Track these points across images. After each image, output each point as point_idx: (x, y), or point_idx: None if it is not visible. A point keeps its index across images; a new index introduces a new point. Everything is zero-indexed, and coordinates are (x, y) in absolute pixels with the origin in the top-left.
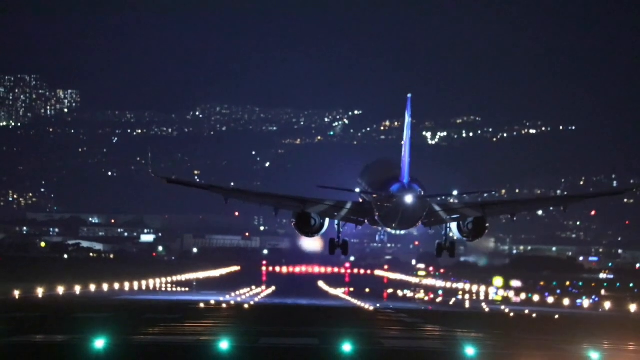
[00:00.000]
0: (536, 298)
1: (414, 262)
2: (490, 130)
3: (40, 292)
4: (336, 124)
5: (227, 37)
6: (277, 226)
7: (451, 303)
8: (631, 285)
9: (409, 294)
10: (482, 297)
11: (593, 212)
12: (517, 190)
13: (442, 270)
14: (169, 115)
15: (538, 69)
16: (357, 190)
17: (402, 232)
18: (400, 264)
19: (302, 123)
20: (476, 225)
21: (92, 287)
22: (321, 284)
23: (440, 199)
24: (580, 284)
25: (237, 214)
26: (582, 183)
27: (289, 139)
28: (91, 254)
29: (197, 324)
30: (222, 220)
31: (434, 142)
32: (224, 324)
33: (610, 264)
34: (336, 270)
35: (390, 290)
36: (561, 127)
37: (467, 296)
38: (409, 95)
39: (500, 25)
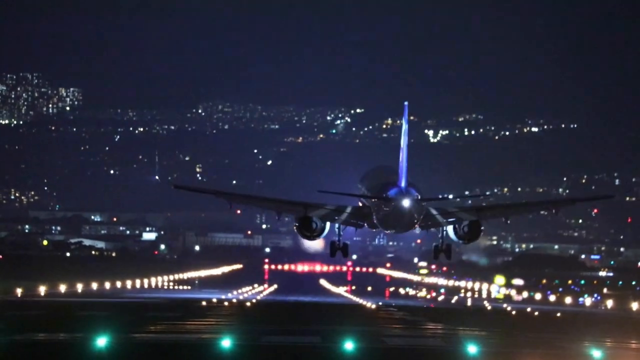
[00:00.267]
0: (538, 296)
1: (416, 260)
2: (492, 128)
3: (42, 290)
4: (338, 122)
5: (229, 35)
6: (279, 224)
7: (453, 301)
8: (633, 283)
9: (411, 292)
10: (484, 295)
11: (595, 210)
12: (519, 189)
13: (444, 269)
14: (170, 114)
15: (540, 67)
16: (357, 194)
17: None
18: (402, 262)
19: (304, 121)
20: (471, 229)
21: (94, 286)
22: (323, 282)
23: (436, 202)
24: (582, 282)
25: (239, 212)
26: (584, 181)
27: (291, 137)
28: (93, 252)
29: (199, 322)
30: (224, 218)
31: (435, 141)
32: (226, 322)
33: (612, 262)
34: (338, 268)
35: (392, 289)
36: (563, 126)
37: (469, 294)
38: (406, 103)
39: (503, 23)
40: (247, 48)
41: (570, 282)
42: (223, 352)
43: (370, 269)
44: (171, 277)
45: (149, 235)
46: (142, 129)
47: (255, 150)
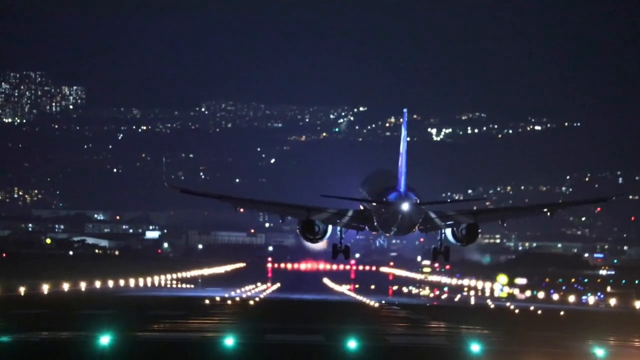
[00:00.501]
0: (541, 295)
1: (419, 258)
2: (496, 126)
3: (45, 288)
4: (341, 120)
5: (232, 34)
6: (282, 223)
7: (456, 299)
8: (637, 282)
9: (414, 290)
10: (487, 293)
11: (598, 209)
12: (522, 187)
13: (447, 267)
14: (173, 112)
15: (543, 66)
16: (358, 198)
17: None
18: (405, 261)
19: (307, 120)
20: (469, 231)
21: (97, 284)
22: (326, 280)
23: (435, 206)
24: (586, 280)
25: (242, 210)
26: (587, 180)
27: (294, 135)
28: (96, 251)
29: (202, 320)
30: (227, 216)
31: (439, 139)
32: (229, 321)
33: (615, 261)
34: (341, 267)
35: (395, 287)
36: (566, 124)
37: (472, 292)
38: (405, 110)
39: (506, 21)
40: (250, 47)
41: (573, 280)
42: (226, 351)
43: (374, 268)
44: (174, 276)
45: (152, 234)
46: (145, 128)
47: (259, 149)
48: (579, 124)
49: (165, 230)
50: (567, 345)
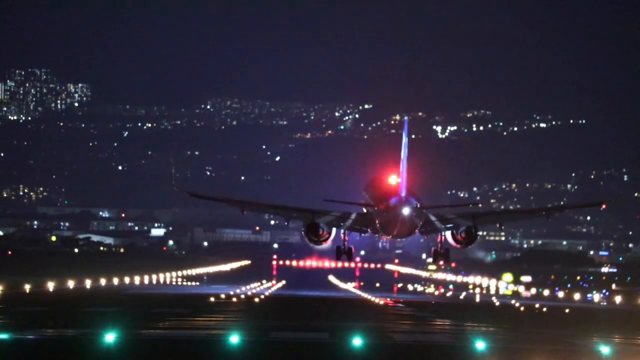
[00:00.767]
0: (546, 292)
1: (424, 256)
2: (501, 124)
3: (50, 286)
4: (346, 118)
5: (238, 31)
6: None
7: (461, 297)
8: None
9: (419, 288)
10: (492, 291)
11: (603, 206)
12: (527, 185)
13: (452, 265)
14: (179, 110)
15: (548, 62)
16: (362, 200)
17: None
18: (410, 258)
19: (312, 117)
20: (468, 234)
21: (103, 281)
22: (331, 278)
23: (434, 209)
24: (591, 278)
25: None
26: (592, 177)
27: (299, 133)
28: (101, 248)
29: (207, 318)
30: (232, 214)
31: (444, 136)
32: (234, 318)
33: (620, 258)
34: (346, 264)
35: (400, 285)
36: (571, 121)
37: (477, 290)
38: (406, 118)
39: (511, 19)
40: (255, 44)
41: (578, 278)
42: (231, 348)
43: (379, 265)
44: (180, 273)
45: (157, 231)
46: (150, 125)
47: (264, 147)
48: (584, 121)
49: (170, 228)
50: (572, 342)
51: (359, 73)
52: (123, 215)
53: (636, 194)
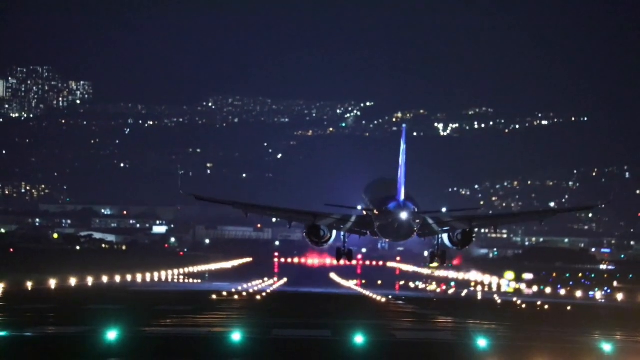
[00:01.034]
0: (548, 290)
1: (426, 253)
2: (502, 121)
3: (52, 283)
4: (348, 115)
5: (239, 29)
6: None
7: (463, 294)
8: None
9: (421, 285)
10: (494, 288)
11: (603, 205)
12: (529, 182)
13: (454, 262)
14: (180, 107)
15: (550, 60)
16: (359, 207)
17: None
18: (412, 256)
19: (313, 114)
20: (464, 236)
21: (105, 279)
22: (333, 275)
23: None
24: (593, 275)
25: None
26: (594, 174)
27: (301, 130)
28: (103, 246)
29: (209, 315)
30: (234, 211)
31: (445, 134)
32: (236, 316)
33: (622, 256)
34: (348, 262)
35: (402, 282)
36: (573, 119)
37: (479, 288)
38: (404, 126)
39: (512, 16)
40: (257, 42)
41: (580, 275)
42: (233, 346)
43: (380, 263)
44: (181, 271)
45: (159, 229)
46: (152, 123)
47: (266, 144)
48: (585, 119)
49: (172, 225)
50: (574, 340)
51: (360, 71)
52: (125, 212)
53: (638, 192)
